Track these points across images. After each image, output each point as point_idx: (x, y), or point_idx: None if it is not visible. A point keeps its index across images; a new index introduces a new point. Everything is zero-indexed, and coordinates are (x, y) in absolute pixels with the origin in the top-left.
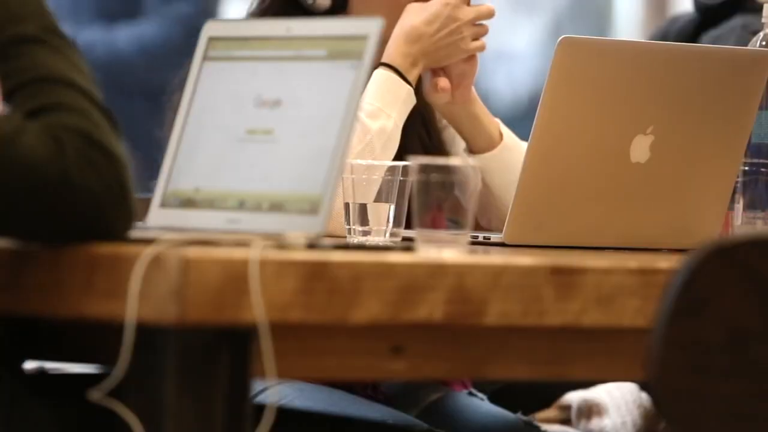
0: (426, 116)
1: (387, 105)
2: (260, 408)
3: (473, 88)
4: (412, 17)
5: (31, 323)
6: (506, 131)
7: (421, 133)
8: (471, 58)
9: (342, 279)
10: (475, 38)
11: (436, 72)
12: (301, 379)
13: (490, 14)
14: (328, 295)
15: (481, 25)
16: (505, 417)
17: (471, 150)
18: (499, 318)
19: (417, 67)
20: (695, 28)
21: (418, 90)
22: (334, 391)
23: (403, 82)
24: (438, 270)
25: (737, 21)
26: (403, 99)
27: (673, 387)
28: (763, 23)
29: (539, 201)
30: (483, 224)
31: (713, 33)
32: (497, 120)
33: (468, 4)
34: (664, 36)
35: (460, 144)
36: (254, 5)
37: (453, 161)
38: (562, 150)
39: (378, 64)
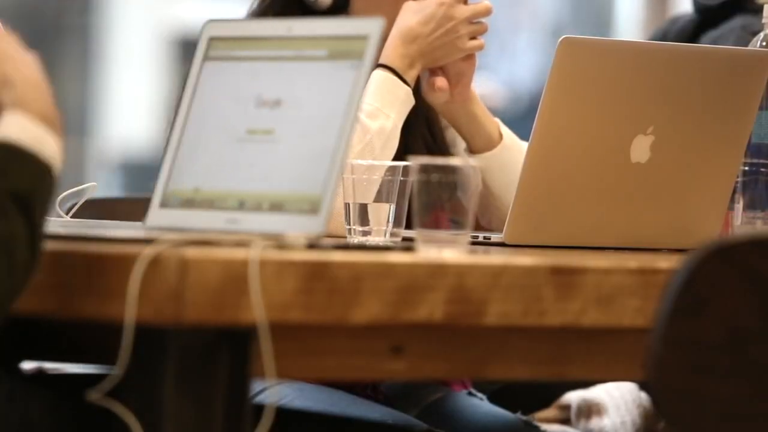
0: (429, 117)
1: (385, 105)
2: (260, 408)
3: (473, 87)
4: (407, 18)
5: (30, 323)
6: (506, 131)
7: (424, 133)
8: (469, 57)
9: (342, 279)
10: (473, 37)
11: (434, 71)
12: (301, 379)
13: (487, 12)
14: (328, 295)
15: (479, 23)
16: (504, 417)
17: (470, 149)
18: (499, 318)
19: (415, 68)
20: (695, 29)
21: (419, 90)
22: (334, 391)
23: (401, 83)
24: (438, 270)
25: (737, 22)
26: (402, 99)
27: (673, 387)
28: (763, 24)
29: (539, 201)
30: (483, 224)
31: (713, 34)
32: (497, 120)
33: (465, 2)
34: (663, 36)
35: (461, 144)
36: (255, 4)
37: (453, 161)
38: (563, 150)
39: (376, 65)
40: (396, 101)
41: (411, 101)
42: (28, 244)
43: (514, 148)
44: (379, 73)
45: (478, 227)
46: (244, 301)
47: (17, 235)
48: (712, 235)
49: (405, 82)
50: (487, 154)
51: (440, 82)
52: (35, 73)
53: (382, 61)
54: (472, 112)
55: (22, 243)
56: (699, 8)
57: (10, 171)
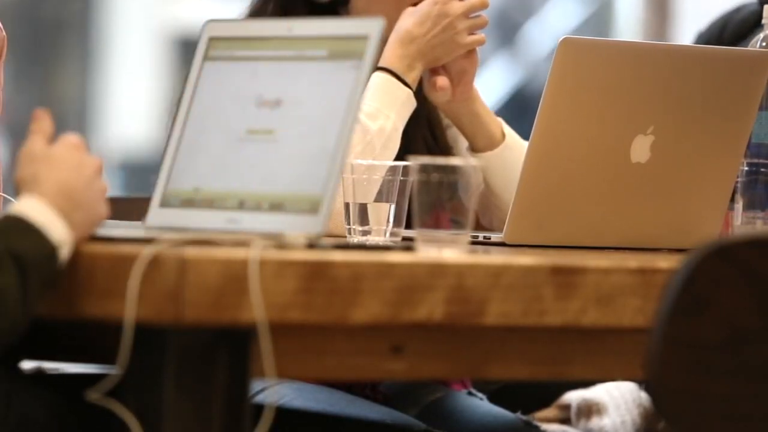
0: (431, 118)
1: (385, 106)
2: (259, 408)
3: (475, 86)
4: (404, 21)
5: (30, 323)
6: (509, 131)
7: (426, 135)
8: (471, 54)
9: (342, 279)
10: (472, 32)
11: (435, 70)
12: (301, 379)
13: (482, 5)
14: (328, 295)
15: (476, 16)
16: (504, 417)
17: (473, 148)
18: (499, 318)
19: (415, 69)
20: (757, 20)
21: (421, 92)
22: (334, 391)
23: (402, 85)
24: (438, 270)
25: None
26: (402, 101)
27: (673, 387)
28: (763, 24)
29: (539, 201)
30: (484, 224)
31: None
32: (500, 119)
33: None
34: (725, 24)
35: (464, 143)
36: None
37: (453, 161)
38: (563, 150)
39: (375, 68)
40: (396, 102)
41: (412, 103)
42: (19, 303)
43: (516, 148)
44: (379, 75)
45: (478, 227)
46: (243, 300)
47: (9, 289)
48: (712, 235)
49: (405, 84)
50: (489, 154)
51: (441, 81)
52: (67, 175)
53: (381, 64)
54: (475, 110)
55: (12, 298)
56: (762, 0)
57: (13, 235)
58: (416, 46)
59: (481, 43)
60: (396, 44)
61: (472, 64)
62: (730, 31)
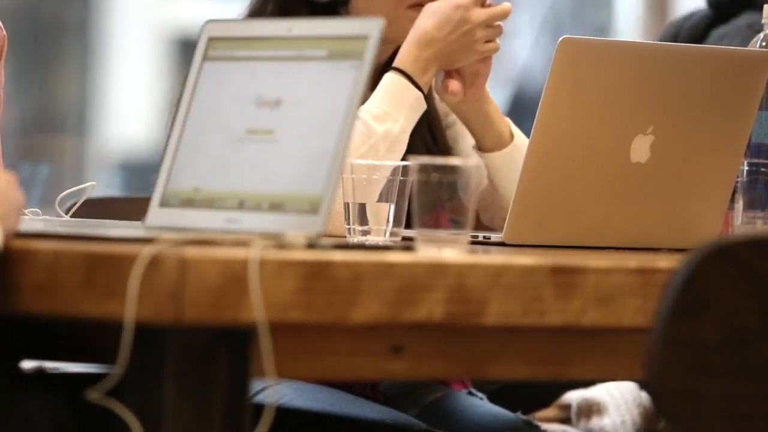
0: (431, 119)
1: (394, 109)
2: (259, 408)
3: (486, 87)
4: (424, 21)
5: (30, 322)
6: (517, 131)
7: (425, 135)
8: (485, 57)
9: (342, 279)
10: (489, 39)
11: (448, 72)
12: (301, 379)
13: (504, 15)
14: (328, 295)
15: (496, 25)
16: (504, 416)
17: (480, 148)
18: (499, 318)
19: (429, 72)
20: (707, 26)
21: (425, 92)
22: (334, 391)
23: (413, 87)
24: (438, 270)
25: (744, 19)
26: (411, 103)
27: (673, 387)
28: (763, 24)
29: (539, 201)
30: (485, 222)
31: (720, 31)
32: (508, 120)
33: (482, 4)
34: (677, 32)
35: (464, 142)
36: None
37: (453, 161)
38: (563, 150)
39: (385, 67)
40: (404, 105)
41: (422, 106)
42: None
43: (523, 149)
44: (391, 76)
45: (479, 225)
46: (243, 300)
47: None
48: (712, 235)
49: (417, 86)
50: (497, 154)
51: (453, 85)
52: None
53: (396, 64)
54: (485, 111)
55: None
56: (711, 3)
57: None
58: (433, 50)
59: (495, 50)
60: (413, 45)
61: (486, 67)
62: (683, 38)
